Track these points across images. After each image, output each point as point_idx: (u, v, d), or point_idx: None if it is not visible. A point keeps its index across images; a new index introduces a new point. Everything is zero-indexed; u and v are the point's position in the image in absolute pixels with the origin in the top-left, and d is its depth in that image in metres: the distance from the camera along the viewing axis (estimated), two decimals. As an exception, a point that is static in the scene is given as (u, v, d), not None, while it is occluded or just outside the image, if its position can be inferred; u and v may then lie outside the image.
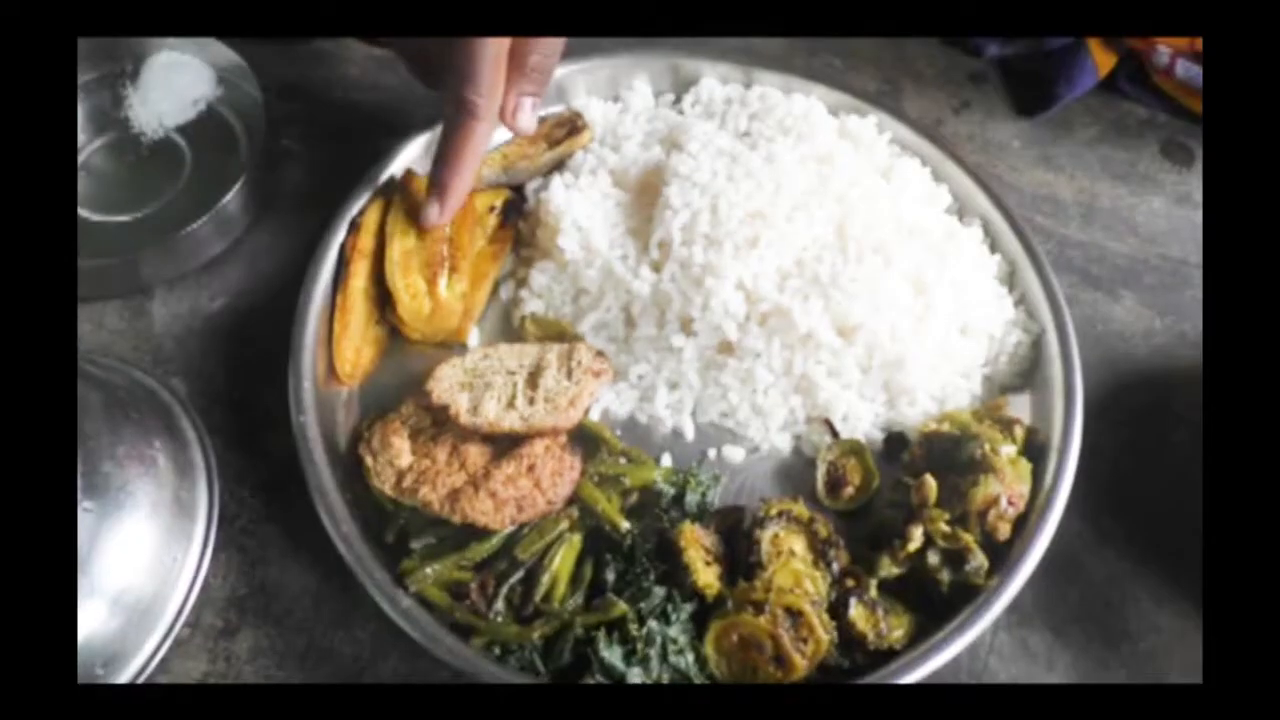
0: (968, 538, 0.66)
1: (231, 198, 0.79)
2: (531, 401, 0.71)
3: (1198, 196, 0.91)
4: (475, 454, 0.69)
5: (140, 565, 0.66)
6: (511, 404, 0.71)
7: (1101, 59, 0.93)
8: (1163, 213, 0.90)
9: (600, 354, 0.75)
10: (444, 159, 0.74)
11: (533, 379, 0.73)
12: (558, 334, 0.78)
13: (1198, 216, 0.90)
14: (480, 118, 0.71)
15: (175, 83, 0.87)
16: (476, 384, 0.73)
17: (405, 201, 0.79)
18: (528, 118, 0.76)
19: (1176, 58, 0.92)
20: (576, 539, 0.68)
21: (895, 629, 0.65)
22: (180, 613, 0.67)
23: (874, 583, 0.66)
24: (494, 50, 0.69)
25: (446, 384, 0.73)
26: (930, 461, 0.72)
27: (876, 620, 0.65)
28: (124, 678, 0.64)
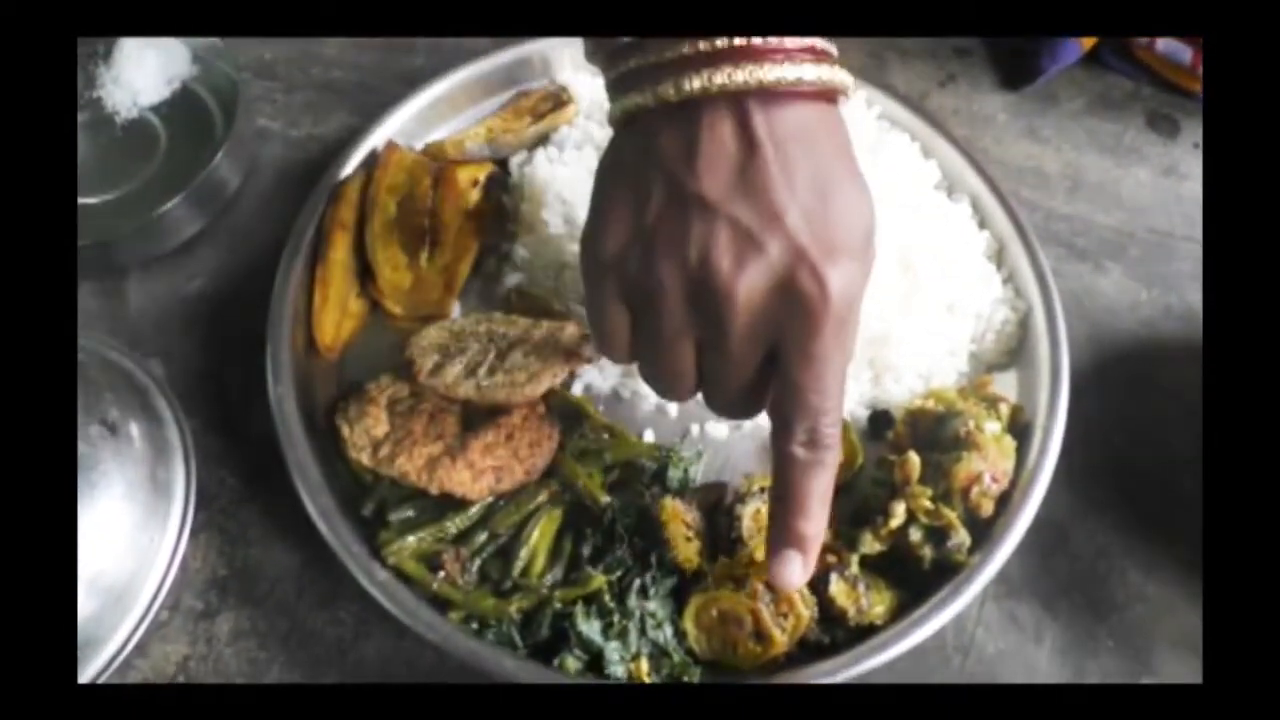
0: (950, 514, 0.66)
1: (207, 177, 0.78)
2: (493, 372, 0.70)
3: (1183, 168, 0.91)
4: (452, 424, 0.69)
5: (116, 547, 0.65)
6: (474, 372, 0.70)
7: (1085, 32, 0.93)
8: (1148, 184, 0.90)
9: (585, 337, 0.74)
10: (798, 508, 0.57)
11: (506, 352, 0.72)
12: (544, 308, 0.77)
13: (1183, 188, 0.90)
14: (835, 447, 0.57)
15: (149, 61, 0.85)
16: (453, 347, 0.72)
17: (385, 174, 0.78)
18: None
19: None
20: (557, 513, 0.67)
21: (876, 605, 0.65)
22: (158, 595, 0.66)
23: (855, 559, 0.66)
24: (843, 367, 0.55)
25: (426, 341, 0.72)
26: (915, 439, 0.71)
27: (857, 596, 0.64)
28: (101, 661, 0.63)
